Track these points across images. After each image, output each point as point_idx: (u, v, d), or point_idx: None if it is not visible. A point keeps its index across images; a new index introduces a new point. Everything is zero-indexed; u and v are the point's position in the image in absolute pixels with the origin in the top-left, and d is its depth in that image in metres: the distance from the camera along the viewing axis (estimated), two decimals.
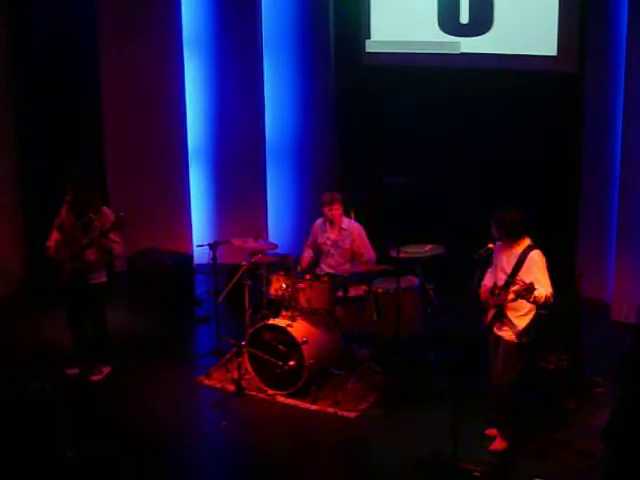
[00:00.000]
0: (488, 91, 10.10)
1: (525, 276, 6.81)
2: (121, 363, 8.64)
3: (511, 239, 6.98)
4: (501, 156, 10.19)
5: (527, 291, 6.63)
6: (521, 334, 6.94)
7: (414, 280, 8.36)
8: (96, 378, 8.45)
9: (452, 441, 6.61)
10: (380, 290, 8.21)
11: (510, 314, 6.94)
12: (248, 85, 10.95)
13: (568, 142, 9.94)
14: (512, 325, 6.95)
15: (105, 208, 8.32)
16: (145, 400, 8.12)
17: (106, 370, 8.52)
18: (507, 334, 6.99)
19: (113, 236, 8.08)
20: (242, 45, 10.84)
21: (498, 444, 7.14)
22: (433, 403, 7.80)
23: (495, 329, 7.05)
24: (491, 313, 7.03)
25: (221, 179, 11.30)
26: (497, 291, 6.97)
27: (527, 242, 7.01)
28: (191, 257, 10.56)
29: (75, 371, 8.50)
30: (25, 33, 10.51)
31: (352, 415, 7.78)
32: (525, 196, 9.98)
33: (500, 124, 10.17)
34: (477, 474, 6.65)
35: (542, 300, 6.75)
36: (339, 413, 7.81)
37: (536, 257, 6.92)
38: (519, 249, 6.95)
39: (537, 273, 6.85)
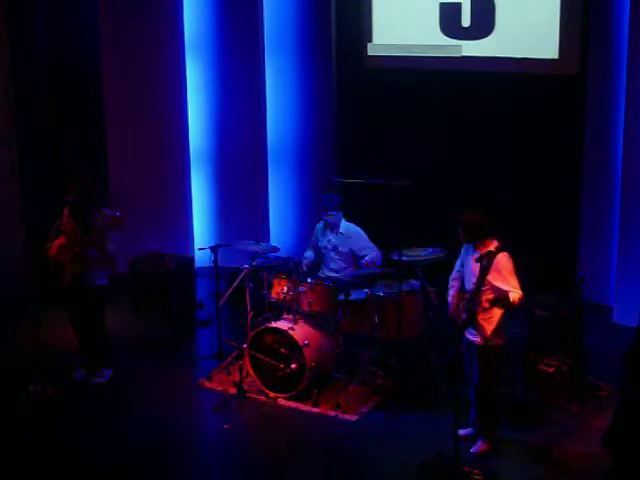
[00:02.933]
0: (490, 94, 10.10)
1: (494, 279, 6.80)
2: (122, 366, 8.65)
3: (474, 241, 7.00)
4: (502, 158, 10.18)
5: (502, 300, 6.65)
6: (490, 336, 6.92)
7: (415, 283, 8.36)
8: (98, 381, 8.45)
9: (454, 444, 6.62)
10: (381, 293, 8.20)
11: (479, 317, 6.90)
12: (250, 87, 10.96)
13: (570, 144, 9.94)
14: (481, 328, 6.92)
15: (105, 209, 8.33)
16: (146, 403, 8.12)
17: (108, 373, 8.52)
18: (477, 338, 6.97)
19: (109, 235, 8.09)
20: (244, 48, 10.85)
21: (480, 446, 7.13)
22: (435, 406, 7.81)
23: (467, 334, 7.02)
24: (462, 317, 6.96)
25: (223, 181, 11.31)
26: (467, 295, 6.94)
27: (494, 244, 6.98)
28: (192, 260, 10.54)
29: (80, 374, 8.51)
30: (26, 33, 10.54)
31: (353, 418, 7.78)
32: (527, 198, 10.00)
33: (502, 126, 10.16)
34: (479, 477, 6.64)
35: (516, 304, 6.76)
36: (340, 416, 7.81)
37: (503, 260, 6.88)
38: (485, 251, 6.91)
39: (507, 276, 6.84)
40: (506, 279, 6.83)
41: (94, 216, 8.12)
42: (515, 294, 6.75)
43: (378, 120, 10.72)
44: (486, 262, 6.80)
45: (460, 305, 7.07)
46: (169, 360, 8.97)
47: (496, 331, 6.93)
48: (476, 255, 6.92)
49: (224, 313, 9.23)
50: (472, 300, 6.85)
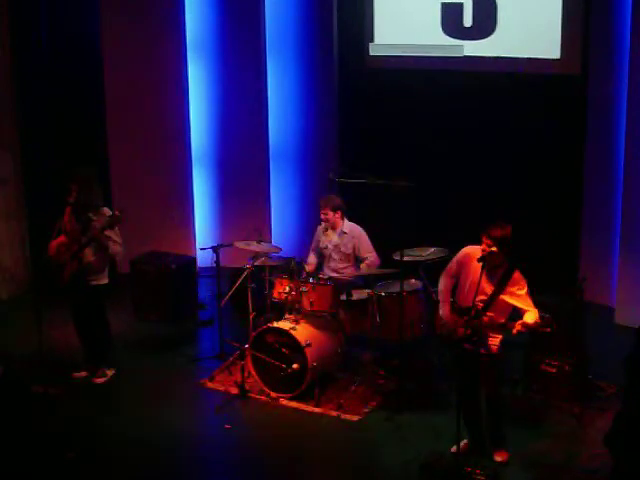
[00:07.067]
0: (491, 94, 10.10)
1: (512, 299, 6.61)
2: (124, 366, 8.66)
3: (504, 256, 6.67)
4: (504, 158, 10.18)
5: (540, 325, 6.46)
6: (498, 348, 6.76)
7: (417, 283, 8.35)
8: (100, 381, 8.46)
9: (456, 445, 6.62)
10: (383, 293, 8.20)
11: (489, 331, 6.73)
12: (251, 88, 10.97)
13: (571, 145, 9.93)
14: (489, 342, 6.75)
15: (105, 208, 8.32)
16: (148, 403, 8.13)
17: (110, 373, 8.53)
18: (485, 351, 6.78)
19: (110, 234, 8.08)
20: (246, 49, 10.86)
21: (505, 455, 7.02)
22: (436, 406, 7.81)
23: (468, 346, 6.76)
24: (461, 330, 6.71)
25: (224, 182, 11.31)
26: (472, 312, 6.64)
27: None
28: (194, 260, 10.56)
29: (82, 374, 8.51)
30: (28, 34, 10.56)
31: (355, 418, 7.78)
32: (528, 199, 9.99)
33: (503, 126, 10.16)
34: (481, 478, 6.63)
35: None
36: (342, 416, 7.80)
37: (520, 276, 6.68)
38: (500, 267, 6.69)
39: (525, 295, 6.64)
40: (525, 299, 6.62)
41: (94, 215, 8.12)
42: (536, 313, 6.54)
43: (380, 120, 10.71)
44: (503, 278, 6.62)
45: (459, 321, 6.76)
46: (171, 360, 8.98)
47: (500, 341, 6.78)
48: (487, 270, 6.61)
49: (226, 313, 9.22)
50: (479, 317, 6.63)
